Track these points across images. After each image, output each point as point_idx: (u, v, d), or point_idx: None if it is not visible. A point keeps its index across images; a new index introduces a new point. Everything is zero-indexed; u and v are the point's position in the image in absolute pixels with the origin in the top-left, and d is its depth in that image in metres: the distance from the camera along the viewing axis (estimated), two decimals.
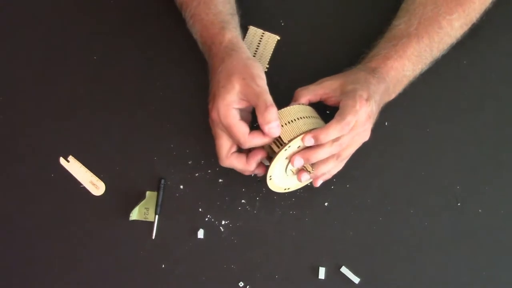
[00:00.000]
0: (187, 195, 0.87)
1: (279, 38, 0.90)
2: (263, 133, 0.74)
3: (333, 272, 0.85)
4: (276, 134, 0.74)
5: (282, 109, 0.76)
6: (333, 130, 0.73)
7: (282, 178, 0.80)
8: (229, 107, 0.74)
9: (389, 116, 0.87)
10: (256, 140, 0.75)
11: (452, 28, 0.82)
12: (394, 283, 0.85)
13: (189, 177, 0.87)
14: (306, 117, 0.77)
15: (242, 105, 0.75)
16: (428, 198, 0.87)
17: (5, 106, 0.89)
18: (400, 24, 0.82)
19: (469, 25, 0.84)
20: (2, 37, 0.91)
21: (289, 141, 0.74)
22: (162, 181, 0.86)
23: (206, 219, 0.86)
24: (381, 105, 0.81)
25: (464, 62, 0.89)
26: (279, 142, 0.75)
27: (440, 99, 0.89)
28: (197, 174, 0.87)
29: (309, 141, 0.74)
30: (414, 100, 0.88)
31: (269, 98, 0.73)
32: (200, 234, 0.86)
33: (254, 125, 0.76)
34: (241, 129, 0.74)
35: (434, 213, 0.86)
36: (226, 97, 0.74)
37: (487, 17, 0.85)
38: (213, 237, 0.86)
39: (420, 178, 0.87)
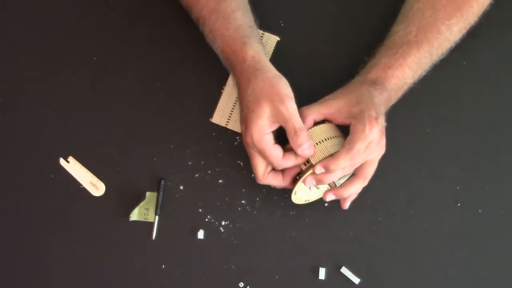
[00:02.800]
0: (187, 195, 0.87)
1: (279, 39, 0.90)
2: (295, 154, 0.77)
3: (333, 272, 0.85)
4: (310, 154, 0.76)
5: (309, 130, 0.78)
6: (343, 160, 0.75)
7: (305, 192, 0.82)
8: (262, 132, 0.76)
9: (389, 116, 0.87)
10: (290, 162, 0.77)
11: (451, 33, 0.82)
12: (394, 283, 0.85)
13: (189, 177, 0.87)
14: (333, 137, 0.79)
15: (274, 127, 0.77)
16: (428, 198, 0.87)
17: (5, 106, 0.89)
18: (399, 30, 0.82)
19: (468, 29, 0.84)
20: (2, 37, 0.91)
21: (317, 163, 0.76)
22: (162, 181, 0.86)
23: (206, 219, 0.86)
24: (385, 112, 0.81)
25: (464, 62, 0.89)
26: (307, 161, 0.78)
27: (440, 100, 0.89)
28: (197, 175, 0.87)
29: (320, 170, 0.76)
30: (414, 101, 0.88)
31: (298, 122, 0.76)
32: (200, 234, 0.86)
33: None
34: (275, 153, 0.76)
35: (434, 213, 0.86)
36: (258, 122, 0.75)
37: (486, 17, 0.85)
38: (213, 237, 0.86)
39: (420, 178, 0.87)
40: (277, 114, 0.75)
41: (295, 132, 0.75)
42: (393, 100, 0.83)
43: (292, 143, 0.76)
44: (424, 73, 0.83)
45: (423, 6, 0.82)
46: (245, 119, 0.77)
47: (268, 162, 0.78)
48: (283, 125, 0.76)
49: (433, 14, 0.81)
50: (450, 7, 0.81)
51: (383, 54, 0.81)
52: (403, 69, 0.80)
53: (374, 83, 0.80)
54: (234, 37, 0.79)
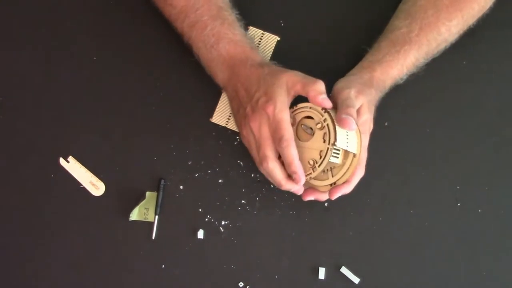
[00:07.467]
0: (187, 195, 0.87)
1: (279, 39, 0.90)
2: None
3: (333, 272, 0.85)
4: (328, 105, 0.75)
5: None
6: (357, 177, 0.80)
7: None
8: (284, 105, 0.76)
9: (389, 116, 0.87)
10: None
11: (450, 34, 0.83)
12: (394, 283, 0.85)
13: (189, 177, 0.87)
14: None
15: (290, 100, 0.78)
16: (428, 198, 0.87)
17: (5, 106, 0.89)
18: (402, 27, 0.82)
19: (465, 30, 0.84)
20: (2, 37, 0.91)
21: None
22: (162, 181, 0.86)
23: (206, 219, 0.86)
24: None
25: (464, 62, 0.89)
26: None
27: (440, 99, 0.89)
28: (197, 175, 0.87)
29: (337, 195, 0.79)
30: (414, 100, 0.88)
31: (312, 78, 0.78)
32: (200, 234, 0.86)
33: None
34: (290, 128, 0.76)
35: (434, 213, 0.86)
36: (281, 93, 0.76)
37: (486, 17, 0.85)
38: (213, 237, 0.86)
39: (420, 178, 0.87)
40: (294, 79, 0.77)
41: (315, 82, 0.76)
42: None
43: (312, 92, 0.76)
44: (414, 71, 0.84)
45: (426, 4, 0.82)
46: (266, 92, 0.77)
47: (278, 138, 0.75)
48: (301, 84, 0.76)
49: (435, 14, 0.81)
50: (452, 8, 0.82)
51: (387, 51, 0.82)
52: (402, 69, 0.82)
53: (377, 83, 0.81)
54: (243, 41, 0.82)
